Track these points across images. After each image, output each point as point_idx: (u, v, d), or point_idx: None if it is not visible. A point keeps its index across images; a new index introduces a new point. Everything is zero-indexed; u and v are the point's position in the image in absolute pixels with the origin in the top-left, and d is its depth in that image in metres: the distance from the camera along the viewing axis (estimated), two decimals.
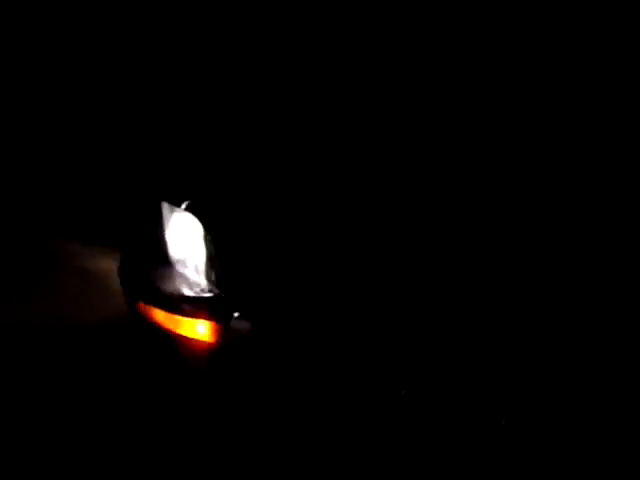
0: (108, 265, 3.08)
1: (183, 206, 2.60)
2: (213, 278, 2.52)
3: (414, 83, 2.87)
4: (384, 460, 2.45)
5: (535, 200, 2.65)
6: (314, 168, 2.60)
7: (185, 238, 2.62)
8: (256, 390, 2.49)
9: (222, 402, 2.55)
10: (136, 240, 2.82)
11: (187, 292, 2.60)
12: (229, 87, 2.77)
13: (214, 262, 2.52)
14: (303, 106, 2.79)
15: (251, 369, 2.47)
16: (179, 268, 2.67)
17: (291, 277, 2.46)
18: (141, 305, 2.74)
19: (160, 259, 2.72)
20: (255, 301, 2.47)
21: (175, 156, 2.75)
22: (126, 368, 2.96)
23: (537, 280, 2.54)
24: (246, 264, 2.50)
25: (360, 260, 2.45)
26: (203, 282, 2.57)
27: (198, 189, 2.61)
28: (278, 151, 2.65)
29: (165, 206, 2.68)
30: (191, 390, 2.61)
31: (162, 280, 2.68)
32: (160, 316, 2.66)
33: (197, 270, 2.59)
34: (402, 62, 2.92)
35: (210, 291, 2.55)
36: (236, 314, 2.47)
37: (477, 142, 2.76)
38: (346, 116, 2.78)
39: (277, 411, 2.48)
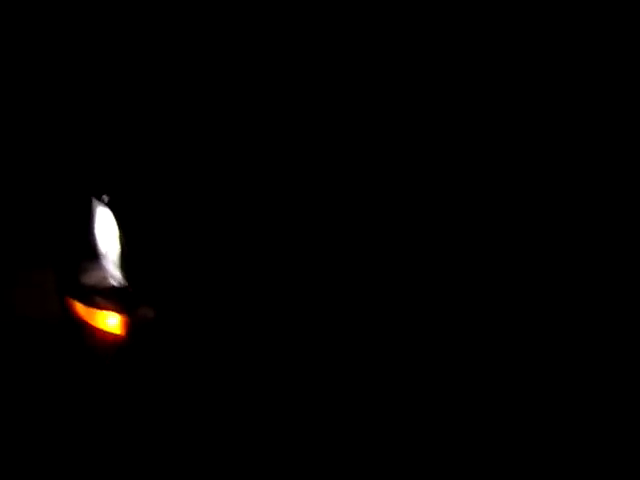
0: None
1: (105, 201, 2.65)
2: (124, 271, 2.56)
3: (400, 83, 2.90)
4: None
5: (534, 200, 2.68)
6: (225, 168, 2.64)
7: (106, 232, 2.66)
8: (162, 380, 2.51)
9: (131, 393, 2.57)
10: (68, 235, 2.86)
11: (102, 285, 2.63)
12: (150, 85, 2.82)
13: (125, 255, 2.56)
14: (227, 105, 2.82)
15: (157, 360, 2.50)
16: (103, 262, 2.71)
17: (194, 270, 2.49)
18: (67, 299, 2.78)
19: (89, 253, 2.76)
20: (160, 293, 2.50)
21: (101, 152, 2.80)
22: (54, 362, 2.99)
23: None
24: (153, 258, 2.54)
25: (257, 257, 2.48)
26: (118, 275, 2.60)
27: (116, 184, 2.66)
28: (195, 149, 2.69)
29: (94, 201, 2.73)
30: (101, 382, 2.63)
31: (84, 274, 2.72)
32: (80, 309, 2.70)
33: (114, 264, 2.63)
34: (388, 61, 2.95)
35: (122, 284, 2.59)
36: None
37: (476, 142, 2.78)
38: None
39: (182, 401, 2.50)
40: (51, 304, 2.92)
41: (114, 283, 2.63)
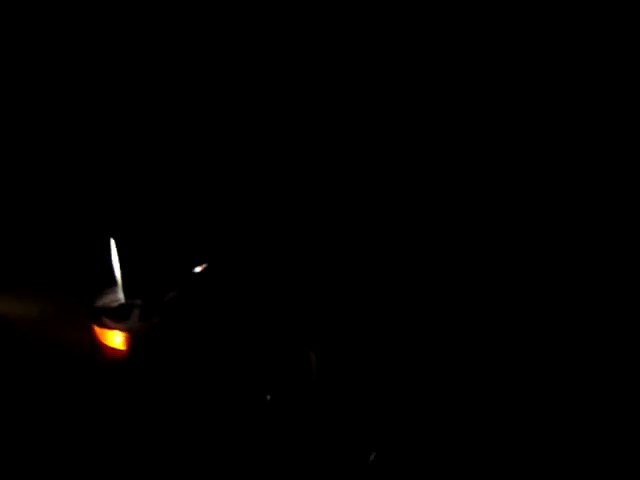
0: None
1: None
2: (123, 292, 2.82)
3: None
4: None
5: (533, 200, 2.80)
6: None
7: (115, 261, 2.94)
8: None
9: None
10: (91, 265, 3.15)
11: (111, 307, 2.89)
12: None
13: (122, 277, 2.82)
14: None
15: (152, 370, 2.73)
16: (116, 289, 2.98)
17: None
18: (94, 328, 3.05)
19: (107, 281, 3.04)
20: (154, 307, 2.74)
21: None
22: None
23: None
24: (145, 277, 2.78)
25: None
26: (122, 297, 2.86)
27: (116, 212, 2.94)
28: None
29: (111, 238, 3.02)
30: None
31: (99, 298, 2.99)
32: (96, 330, 2.96)
33: (119, 287, 2.89)
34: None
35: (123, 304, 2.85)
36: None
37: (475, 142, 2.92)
38: None
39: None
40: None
41: (120, 303, 2.88)
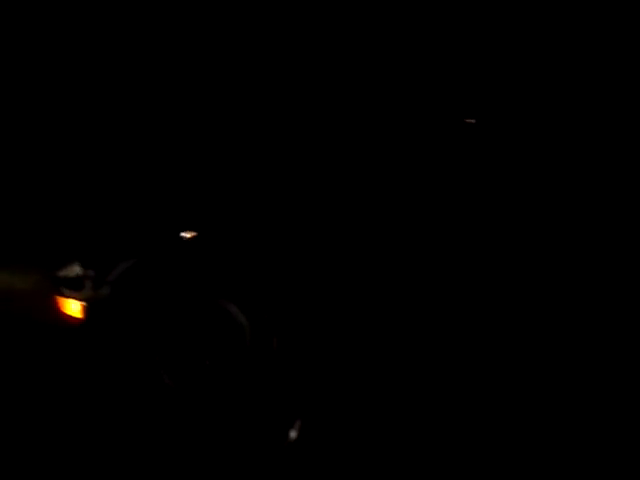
0: None
1: None
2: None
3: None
4: None
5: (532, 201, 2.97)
6: None
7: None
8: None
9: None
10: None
11: (69, 277, 3.13)
12: None
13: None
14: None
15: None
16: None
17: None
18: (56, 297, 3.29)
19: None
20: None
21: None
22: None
23: None
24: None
25: None
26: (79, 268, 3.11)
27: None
28: None
29: None
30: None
31: (60, 272, 3.22)
32: (59, 302, 3.21)
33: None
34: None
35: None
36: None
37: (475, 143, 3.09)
38: None
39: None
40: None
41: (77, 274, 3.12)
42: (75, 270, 3.16)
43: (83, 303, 3.06)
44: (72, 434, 2.84)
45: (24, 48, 3.51)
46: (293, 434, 2.67)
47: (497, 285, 2.97)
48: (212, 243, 2.97)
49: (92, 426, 2.85)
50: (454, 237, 3.01)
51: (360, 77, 3.20)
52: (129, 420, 2.84)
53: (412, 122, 3.15)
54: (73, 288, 3.08)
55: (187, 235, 3.00)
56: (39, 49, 3.50)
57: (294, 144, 3.15)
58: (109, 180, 3.23)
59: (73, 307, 3.10)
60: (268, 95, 3.22)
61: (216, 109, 3.29)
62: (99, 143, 3.32)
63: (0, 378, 3.02)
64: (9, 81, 3.47)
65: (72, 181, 3.36)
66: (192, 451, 2.69)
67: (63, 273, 3.21)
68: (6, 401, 2.98)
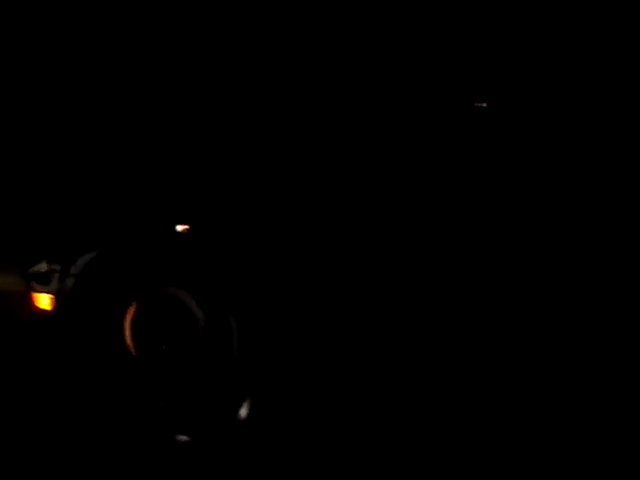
0: None
1: None
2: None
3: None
4: None
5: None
6: None
7: None
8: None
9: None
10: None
11: (40, 272, 3.27)
12: None
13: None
14: None
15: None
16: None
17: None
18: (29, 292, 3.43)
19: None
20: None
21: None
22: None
23: None
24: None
25: None
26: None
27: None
28: None
29: None
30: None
31: (32, 268, 3.36)
32: (31, 297, 3.35)
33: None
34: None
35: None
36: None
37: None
38: None
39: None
40: None
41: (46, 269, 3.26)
42: (44, 266, 3.30)
43: (51, 296, 3.20)
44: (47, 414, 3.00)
45: (24, 48, 3.65)
46: (243, 413, 2.79)
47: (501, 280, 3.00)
48: (169, 235, 3.09)
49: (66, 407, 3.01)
50: (459, 230, 3.02)
51: (367, 62, 3.21)
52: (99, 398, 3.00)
53: (417, 107, 3.13)
54: (42, 283, 3.22)
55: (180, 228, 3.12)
56: (39, 49, 3.64)
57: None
58: (70, 176, 3.36)
59: (44, 301, 3.23)
60: (258, 88, 3.29)
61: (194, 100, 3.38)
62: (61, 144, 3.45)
63: None
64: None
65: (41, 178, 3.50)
66: (146, 426, 2.84)
67: (33, 269, 3.35)
68: None
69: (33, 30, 3.62)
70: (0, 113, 3.62)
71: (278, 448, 2.72)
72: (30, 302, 3.36)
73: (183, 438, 2.73)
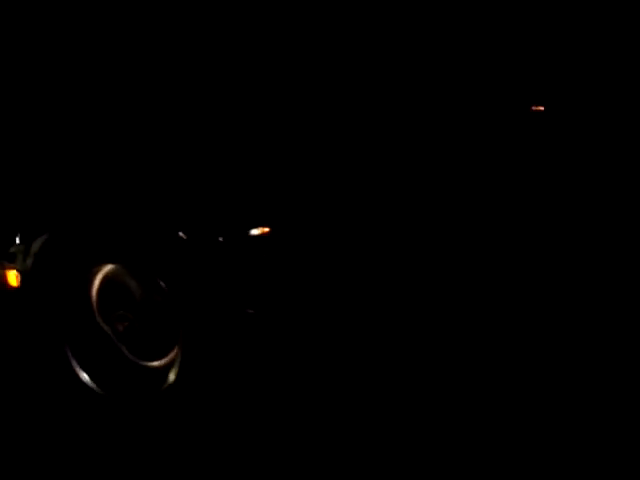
0: None
1: None
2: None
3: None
4: None
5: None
6: None
7: None
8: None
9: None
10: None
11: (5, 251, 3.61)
12: None
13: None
14: None
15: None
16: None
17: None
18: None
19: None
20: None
21: None
22: None
23: None
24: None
25: None
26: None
27: None
28: None
29: None
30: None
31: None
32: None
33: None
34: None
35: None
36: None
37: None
38: None
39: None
40: None
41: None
42: (14, 247, 3.65)
43: (17, 274, 3.54)
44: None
45: (24, 48, 3.85)
46: (172, 377, 3.12)
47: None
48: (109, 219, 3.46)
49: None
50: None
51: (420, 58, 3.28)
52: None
53: (470, 110, 3.15)
54: (10, 261, 3.57)
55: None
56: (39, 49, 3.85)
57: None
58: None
59: (12, 278, 3.58)
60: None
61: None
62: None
63: None
64: None
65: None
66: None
67: (4, 249, 3.70)
68: None
69: (33, 30, 3.84)
70: None
71: (204, 410, 2.98)
72: (3, 280, 3.70)
73: None
